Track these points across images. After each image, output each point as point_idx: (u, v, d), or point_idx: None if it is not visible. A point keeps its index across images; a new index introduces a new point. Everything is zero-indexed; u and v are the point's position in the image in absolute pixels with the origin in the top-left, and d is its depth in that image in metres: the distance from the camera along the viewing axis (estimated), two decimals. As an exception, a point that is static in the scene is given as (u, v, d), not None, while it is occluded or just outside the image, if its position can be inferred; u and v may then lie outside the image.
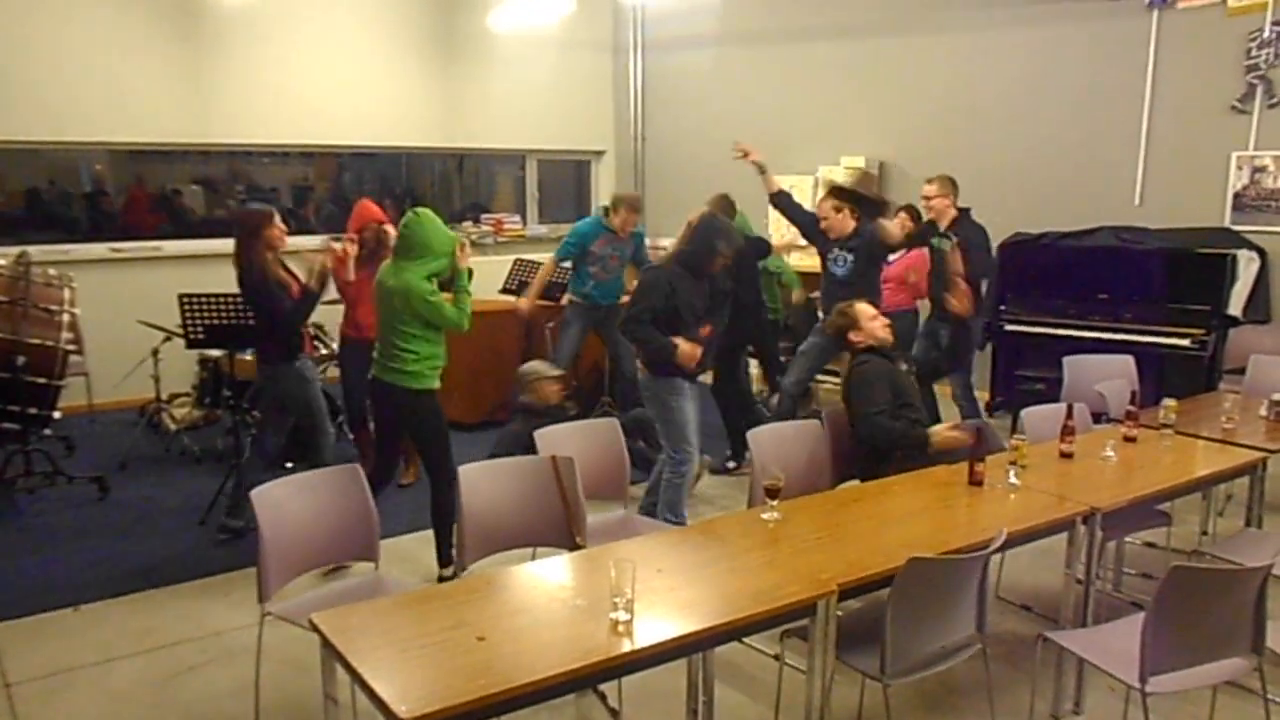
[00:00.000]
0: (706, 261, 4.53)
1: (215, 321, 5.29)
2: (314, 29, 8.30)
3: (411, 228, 4.20)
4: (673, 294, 4.41)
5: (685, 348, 4.37)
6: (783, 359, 6.82)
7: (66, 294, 5.32)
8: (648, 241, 9.53)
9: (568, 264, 6.56)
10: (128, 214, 8.33)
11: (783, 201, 5.98)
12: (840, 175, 8.20)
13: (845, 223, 5.59)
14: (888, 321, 4.34)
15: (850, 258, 5.61)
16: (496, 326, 6.71)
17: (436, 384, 4.32)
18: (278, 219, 4.72)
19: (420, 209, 4.28)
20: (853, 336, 4.27)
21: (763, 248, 6.46)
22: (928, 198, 6.03)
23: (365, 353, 4.70)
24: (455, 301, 4.29)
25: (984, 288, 6.09)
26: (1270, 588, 2.74)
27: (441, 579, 4.21)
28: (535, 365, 5.88)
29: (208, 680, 3.63)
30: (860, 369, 4.15)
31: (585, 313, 6.55)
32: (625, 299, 6.17)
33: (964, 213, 6.02)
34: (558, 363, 6.43)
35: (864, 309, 4.30)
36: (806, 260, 8.24)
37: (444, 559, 4.36)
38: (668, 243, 5.43)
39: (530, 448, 3.74)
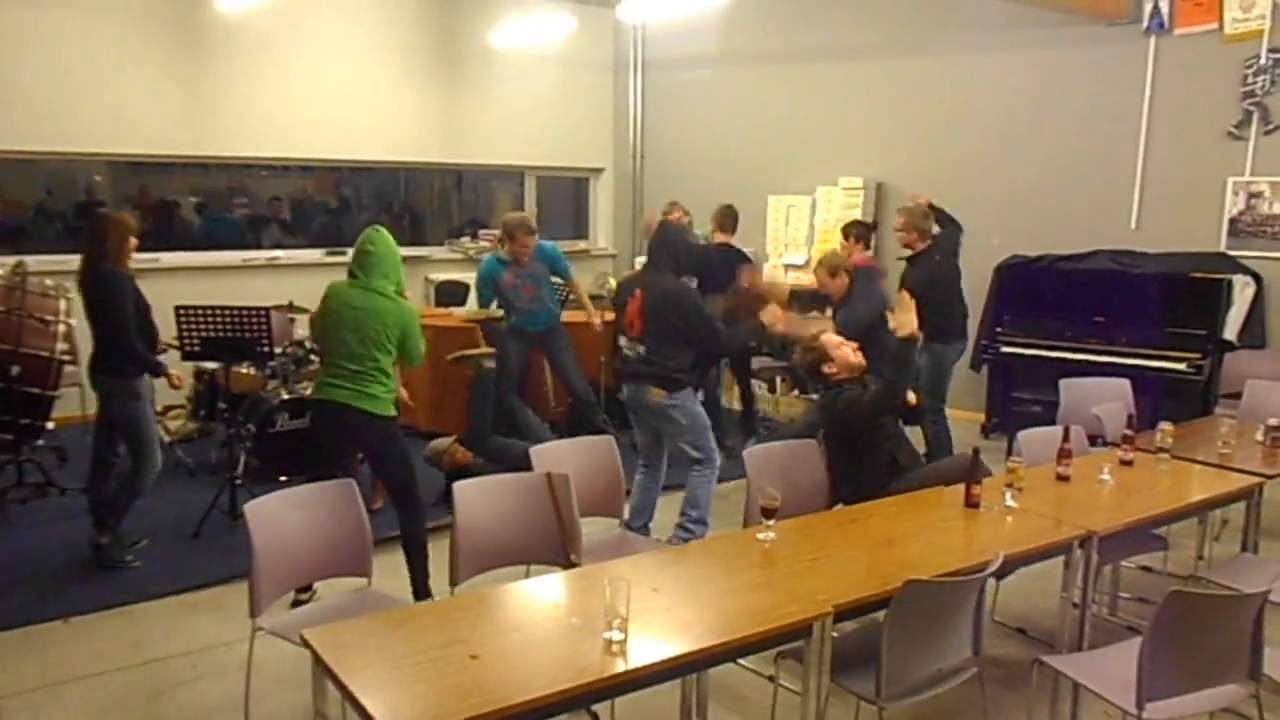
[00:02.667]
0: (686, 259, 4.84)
1: (211, 334, 5.29)
2: (315, 43, 8.33)
3: (377, 245, 4.06)
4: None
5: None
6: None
7: (62, 304, 5.31)
8: (641, 259, 9.58)
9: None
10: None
11: None
12: (839, 196, 8.24)
13: (842, 287, 5.71)
14: (856, 345, 4.19)
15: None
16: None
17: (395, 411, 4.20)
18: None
19: (378, 226, 4.15)
20: (826, 370, 4.11)
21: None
22: (896, 229, 6.18)
23: None
24: None
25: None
26: (1267, 614, 2.73)
27: None
28: (434, 445, 5.76)
29: (198, 695, 3.60)
30: (841, 395, 4.04)
31: (518, 336, 6.30)
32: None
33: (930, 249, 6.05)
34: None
35: (829, 339, 4.16)
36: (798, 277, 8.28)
37: (421, 591, 4.13)
38: None
39: None
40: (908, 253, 6.04)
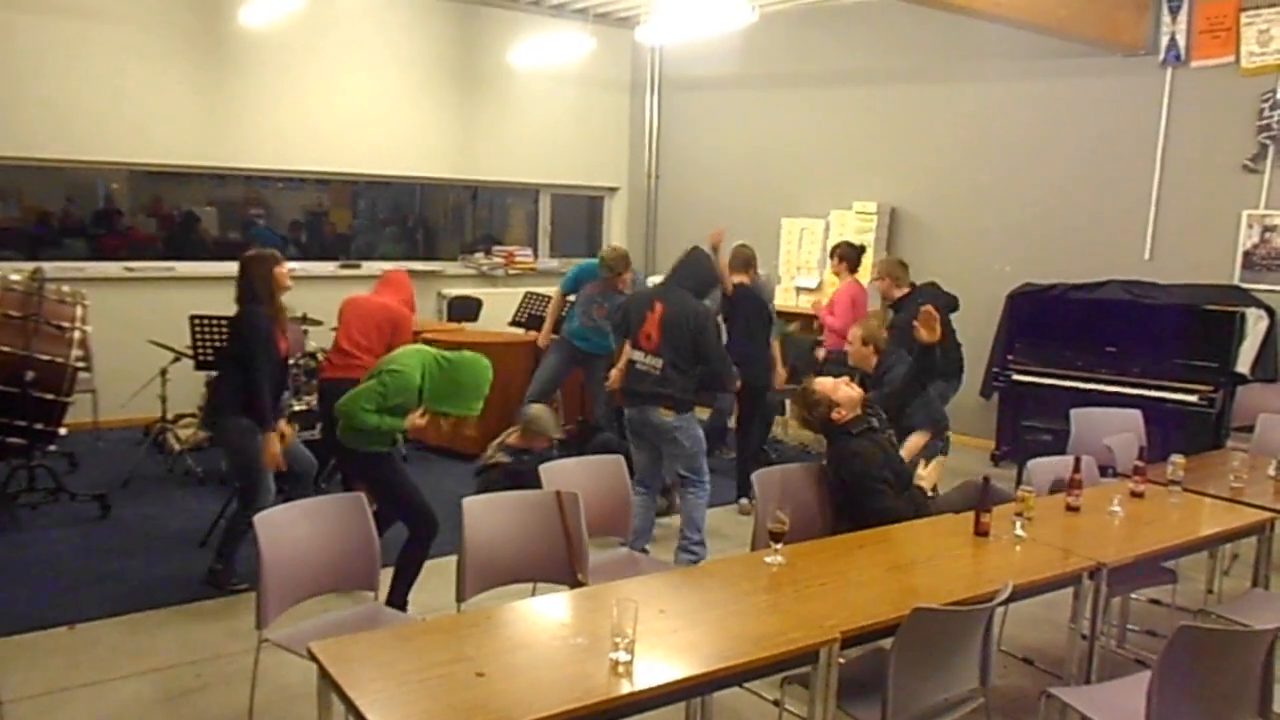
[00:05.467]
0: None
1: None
2: (334, 58, 8.41)
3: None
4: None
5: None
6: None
7: (79, 311, 5.34)
8: (655, 279, 9.59)
9: (572, 297, 6.60)
10: (142, 233, 8.40)
11: None
12: (852, 220, 8.25)
13: (869, 358, 4.87)
14: (847, 379, 4.07)
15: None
16: (505, 358, 6.71)
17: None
18: (282, 263, 4.68)
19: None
20: (836, 416, 3.92)
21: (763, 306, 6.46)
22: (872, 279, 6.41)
23: None
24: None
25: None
26: (1278, 651, 2.71)
27: None
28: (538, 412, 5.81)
29: (202, 705, 3.60)
30: (848, 448, 3.91)
31: (566, 348, 6.49)
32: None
33: (915, 289, 6.15)
34: (530, 393, 6.39)
35: (823, 383, 3.99)
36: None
37: (395, 602, 4.05)
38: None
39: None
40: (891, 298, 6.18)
